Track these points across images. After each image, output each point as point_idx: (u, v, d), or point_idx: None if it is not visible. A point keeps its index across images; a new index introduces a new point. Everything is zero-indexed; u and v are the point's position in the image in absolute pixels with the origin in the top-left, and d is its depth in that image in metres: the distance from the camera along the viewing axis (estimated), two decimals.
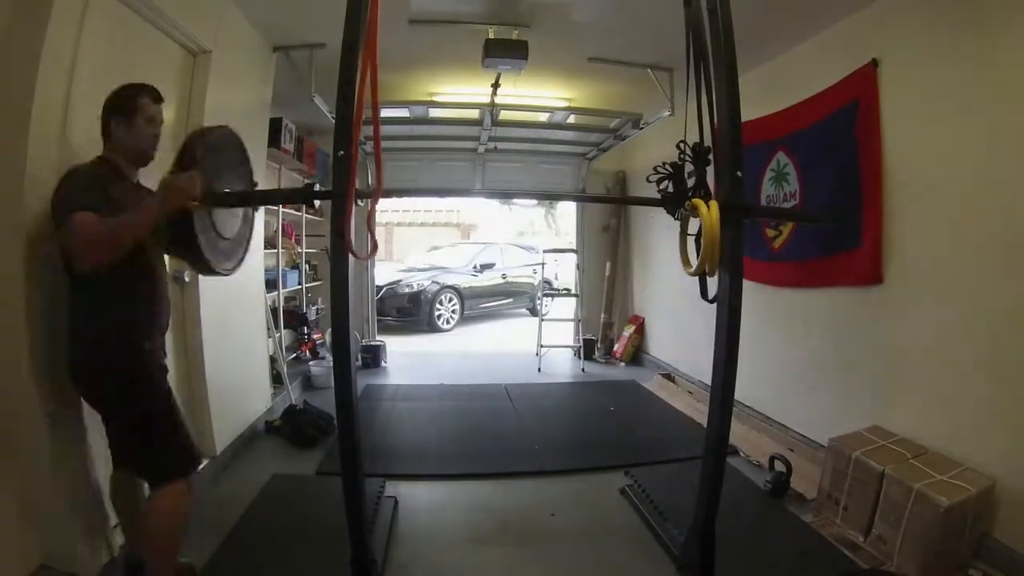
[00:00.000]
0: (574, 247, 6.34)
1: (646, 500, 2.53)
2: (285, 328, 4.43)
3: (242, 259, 1.99)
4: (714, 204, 1.73)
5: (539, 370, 5.39)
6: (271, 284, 4.11)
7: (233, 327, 3.03)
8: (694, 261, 1.87)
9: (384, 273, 8.05)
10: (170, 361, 2.48)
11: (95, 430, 1.86)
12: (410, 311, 7.84)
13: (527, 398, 4.37)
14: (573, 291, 6.21)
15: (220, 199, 1.76)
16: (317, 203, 4.09)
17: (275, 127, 3.80)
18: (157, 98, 1.70)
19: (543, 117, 4.58)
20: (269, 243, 4.11)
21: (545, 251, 7.19)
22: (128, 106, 1.63)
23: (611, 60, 3.57)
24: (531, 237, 15.69)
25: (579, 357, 5.67)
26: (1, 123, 1.61)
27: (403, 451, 3.27)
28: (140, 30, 2.20)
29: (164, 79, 2.42)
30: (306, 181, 4.59)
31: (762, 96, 3.32)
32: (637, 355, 5.73)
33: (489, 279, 8.91)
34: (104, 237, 1.43)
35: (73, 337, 1.59)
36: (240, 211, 1.97)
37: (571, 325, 6.15)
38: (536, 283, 8.97)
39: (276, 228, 4.32)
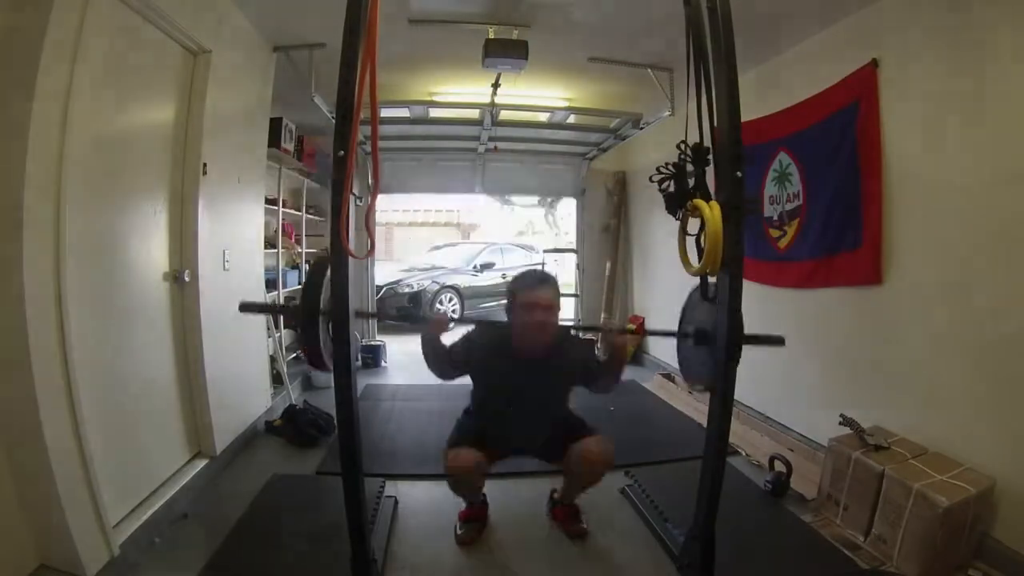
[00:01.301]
0: (574, 247, 6.34)
1: (646, 500, 2.53)
2: (285, 328, 4.43)
3: None
4: (716, 204, 1.73)
5: None
6: (271, 284, 4.11)
7: (233, 327, 3.03)
8: (695, 261, 1.87)
9: (384, 273, 8.04)
10: (170, 361, 2.52)
11: (96, 430, 1.87)
12: (410, 311, 7.84)
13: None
14: (573, 291, 6.20)
15: None
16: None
17: (275, 127, 3.80)
18: None
19: (543, 117, 4.58)
20: (269, 243, 4.11)
21: (545, 251, 7.20)
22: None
23: (611, 60, 3.56)
24: (531, 237, 15.67)
25: None
26: (1, 123, 1.61)
27: (403, 451, 3.26)
28: (140, 30, 2.20)
29: (164, 79, 2.43)
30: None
31: (762, 96, 3.32)
32: (637, 355, 5.72)
33: (489, 279, 8.90)
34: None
35: None
36: None
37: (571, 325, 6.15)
38: None
39: (276, 228, 4.32)
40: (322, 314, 1.69)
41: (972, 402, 2.20)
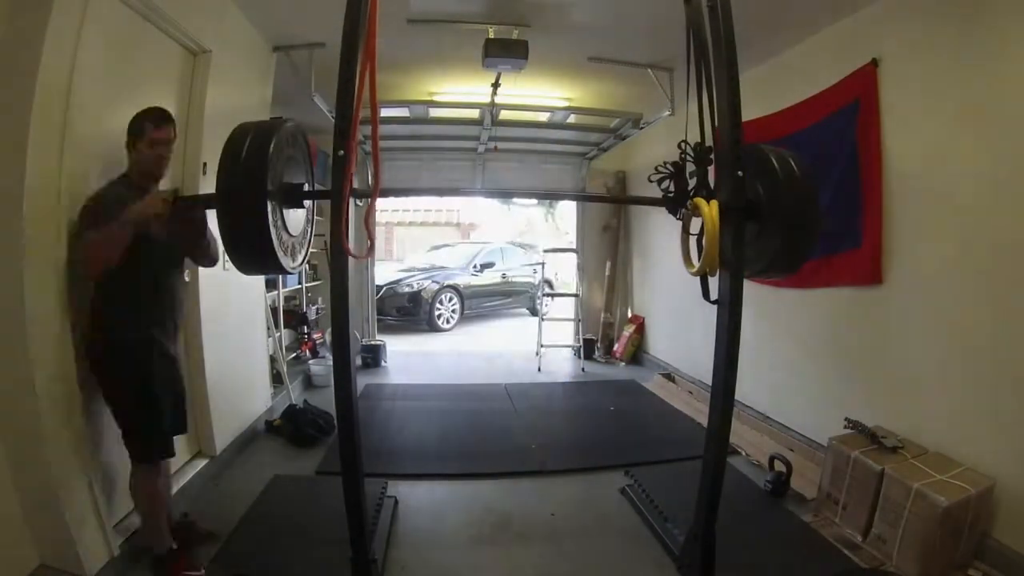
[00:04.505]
0: (574, 247, 6.34)
1: (646, 500, 2.53)
2: (285, 328, 4.43)
3: (305, 257, 1.97)
4: (714, 203, 1.73)
5: (539, 370, 5.39)
6: (271, 284, 4.11)
7: (233, 327, 3.03)
8: (696, 261, 1.87)
9: (384, 273, 8.04)
10: None
11: (96, 429, 1.87)
12: (410, 311, 7.84)
13: (527, 398, 4.37)
14: (573, 291, 6.20)
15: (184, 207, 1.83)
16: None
17: None
18: (161, 121, 1.85)
19: (543, 117, 4.58)
20: None
21: (545, 251, 7.20)
22: (135, 129, 1.84)
23: (611, 60, 3.56)
24: (531, 237, 15.69)
25: (579, 357, 5.66)
26: (1, 123, 1.61)
27: (403, 451, 3.27)
28: (140, 30, 2.20)
29: (164, 79, 2.43)
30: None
31: (762, 96, 3.32)
32: (637, 355, 5.73)
33: (489, 279, 8.91)
34: (94, 249, 1.69)
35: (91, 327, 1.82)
36: (304, 209, 1.94)
37: (571, 325, 6.15)
38: (536, 283, 8.99)
39: None
40: (271, 194, 1.57)
41: (973, 402, 2.19)
